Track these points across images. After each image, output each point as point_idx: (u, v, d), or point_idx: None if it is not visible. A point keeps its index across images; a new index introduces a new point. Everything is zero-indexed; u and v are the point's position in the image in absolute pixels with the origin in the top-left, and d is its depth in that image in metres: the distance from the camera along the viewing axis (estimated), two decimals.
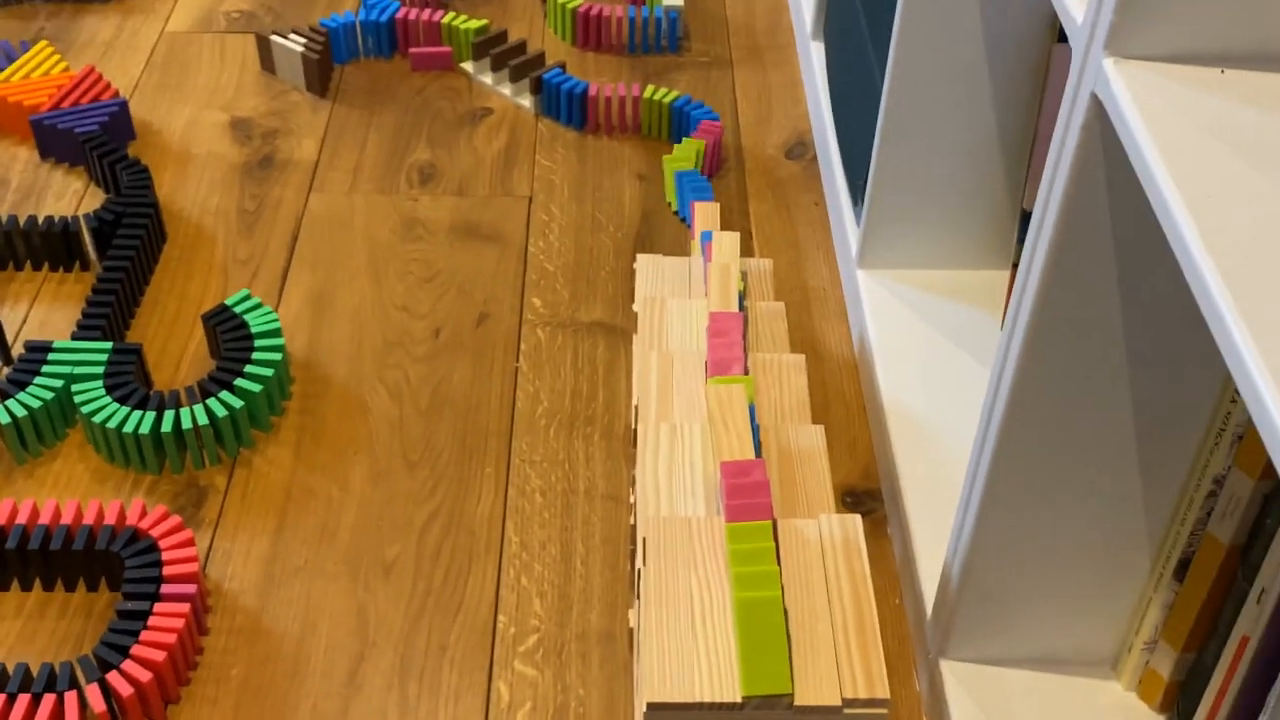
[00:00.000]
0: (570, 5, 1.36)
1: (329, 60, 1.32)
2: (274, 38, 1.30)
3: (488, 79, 1.32)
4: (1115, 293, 0.62)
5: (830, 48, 1.27)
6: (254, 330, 0.99)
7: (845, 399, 1.02)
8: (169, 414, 0.92)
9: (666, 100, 1.24)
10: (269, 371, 0.96)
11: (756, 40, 1.40)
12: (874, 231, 1.04)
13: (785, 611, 0.66)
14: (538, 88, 1.28)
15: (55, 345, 0.97)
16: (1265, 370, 0.41)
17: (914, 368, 0.98)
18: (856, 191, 1.10)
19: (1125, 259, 0.61)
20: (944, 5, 0.91)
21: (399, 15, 1.34)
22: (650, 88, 1.26)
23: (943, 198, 1.02)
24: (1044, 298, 0.62)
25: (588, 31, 1.37)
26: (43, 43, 1.29)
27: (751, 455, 0.73)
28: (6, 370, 1.00)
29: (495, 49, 1.31)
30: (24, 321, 1.06)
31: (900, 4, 0.92)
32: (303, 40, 1.30)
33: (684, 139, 1.22)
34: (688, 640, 0.66)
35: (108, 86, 1.24)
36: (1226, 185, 0.48)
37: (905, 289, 1.05)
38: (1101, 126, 0.56)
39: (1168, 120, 0.51)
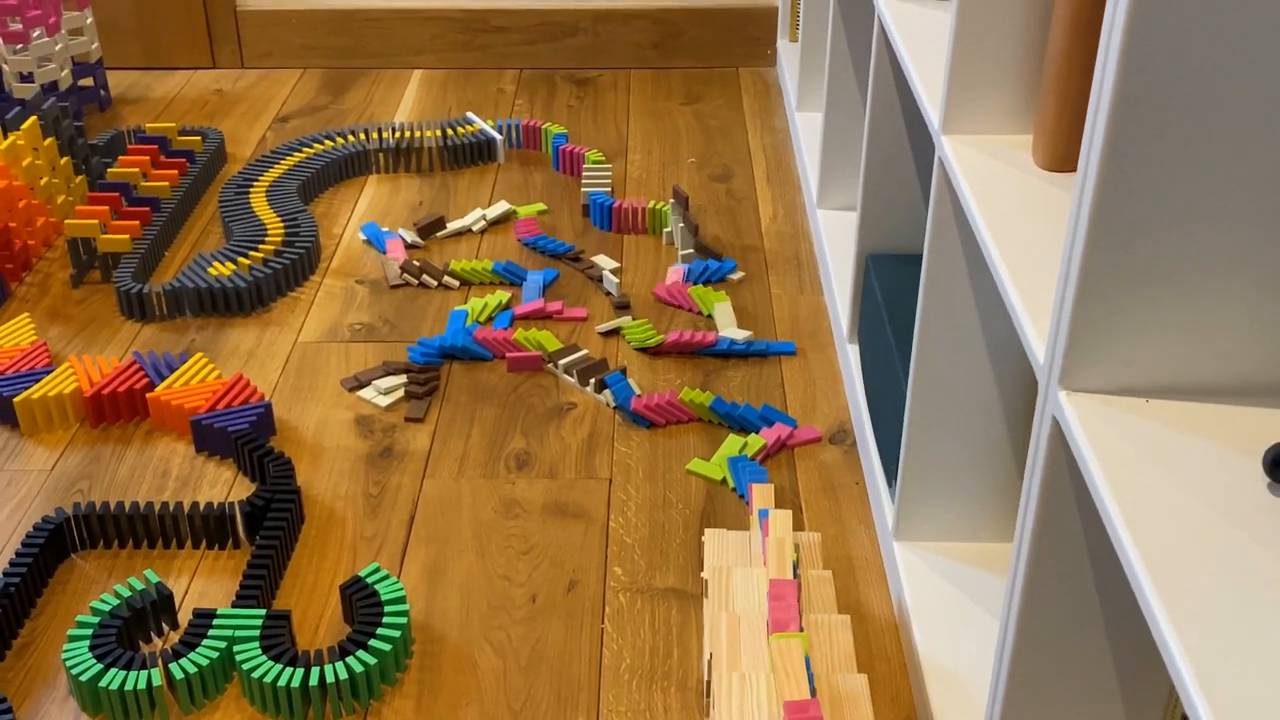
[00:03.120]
0: (651, 341, 1.59)
1: (434, 388, 1.53)
2: (375, 382, 1.52)
3: (572, 379, 1.54)
4: (1090, 575, 0.79)
5: (863, 349, 1.49)
6: (384, 598, 1.17)
7: (887, 655, 1.17)
8: (314, 670, 1.09)
9: (701, 400, 1.46)
10: (396, 634, 1.13)
11: (802, 342, 1.62)
12: (906, 508, 1.22)
13: None
14: (601, 388, 1.50)
15: (219, 612, 1.15)
16: (1192, 672, 0.56)
17: (946, 629, 1.14)
18: (891, 474, 1.28)
19: (1095, 549, 0.78)
20: (954, 325, 1.12)
21: (478, 334, 1.58)
22: (686, 390, 1.48)
23: (963, 480, 1.20)
24: (1030, 576, 0.79)
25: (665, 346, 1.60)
26: (199, 354, 1.53)
27: (809, 697, 0.89)
28: (175, 636, 1.18)
29: (565, 358, 1.54)
30: (186, 593, 1.24)
31: (918, 325, 1.13)
32: (402, 379, 1.52)
33: (750, 435, 1.42)
34: None
35: (255, 391, 1.47)
36: (1153, 490, 0.66)
37: (937, 558, 1.21)
38: (1062, 441, 0.74)
39: (1107, 439, 0.69)
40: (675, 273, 1.74)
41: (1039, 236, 0.88)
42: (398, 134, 2.05)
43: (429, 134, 2.06)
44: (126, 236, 1.72)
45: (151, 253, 1.76)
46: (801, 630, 0.97)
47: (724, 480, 1.38)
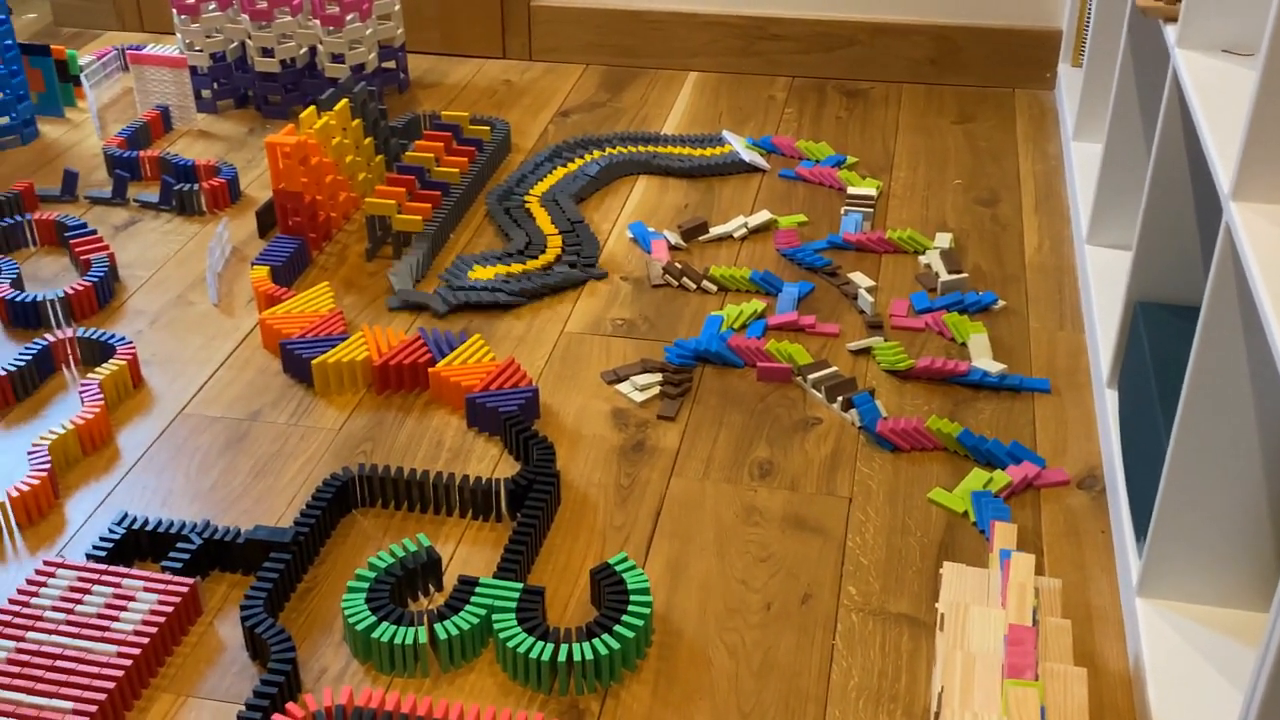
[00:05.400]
0: (901, 365, 1.61)
1: (687, 389, 1.60)
2: (634, 379, 1.60)
3: (819, 394, 1.58)
4: None
5: (1123, 396, 1.47)
6: (630, 587, 1.24)
7: (1119, 711, 1.17)
8: (563, 647, 1.17)
9: (949, 430, 1.47)
10: (640, 622, 1.20)
11: (1058, 380, 1.61)
12: (1155, 566, 1.21)
13: None
14: (848, 406, 1.53)
15: (481, 581, 1.25)
16: None
17: (1184, 692, 1.12)
18: (1140, 527, 1.27)
19: None
20: (1225, 389, 1.10)
21: (731, 341, 1.64)
22: (934, 418, 1.49)
23: (1217, 543, 1.18)
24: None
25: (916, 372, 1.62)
26: (476, 335, 1.65)
27: None
28: (440, 598, 1.29)
29: (814, 373, 1.57)
30: (451, 558, 1.35)
31: (1187, 383, 1.12)
32: (658, 378, 1.59)
33: (996, 471, 1.43)
34: None
35: (524, 375, 1.57)
36: None
37: (1181, 619, 1.20)
38: None
39: None
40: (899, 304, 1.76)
41: None
42: (661, 148, 2.14)
43: (684, 150, 2.14)
44: (419, 218, 1.86)
45: (439, 235, 1.89)
46: (1037, 679, 0.99)
47: (965, 513, 1.40)
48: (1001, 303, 1.76)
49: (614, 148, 2.18)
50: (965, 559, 1.34)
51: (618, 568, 1.27)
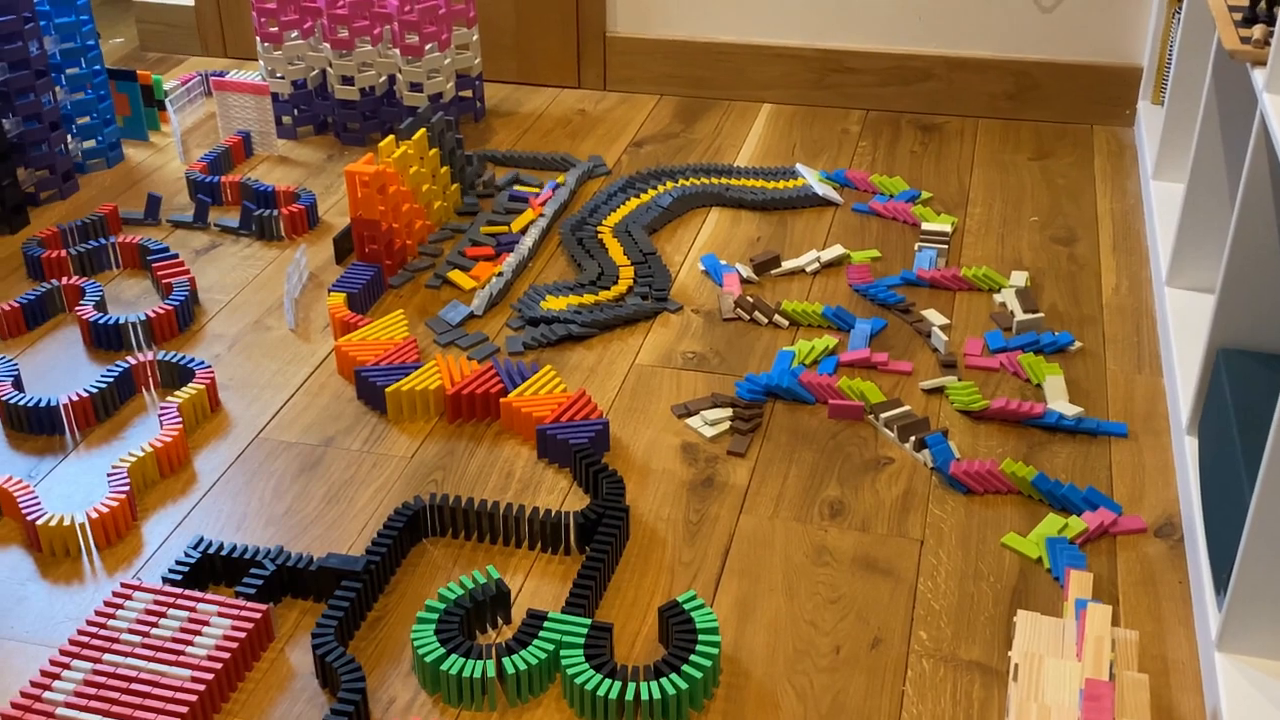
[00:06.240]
0: (975, 405, 1.59)
1: (757, 425, 1.60)
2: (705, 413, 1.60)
3: (892, 434, 1.57)
4: None
5: (1203, 443, 1.44)
6: (698, 626, 1.24)
7: None
8: (631, 685, 1.17)
9: (1023, 473, 1.45)
10: (708, 662, 1.20)
11: (1135, 425, 1.58)
12: (1236, 620, 1.18)
13: None
14: (921, 446, 1.52)
15: (550, 615, 1.25)
16: None
17: None
18: (1220, 579, 1.25)
19: None
20: None
21: (804, 378, 1.63)
22: (1008, 461, 1.47)
23: None
24: None
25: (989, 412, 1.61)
26: (548, 366, 1.66)
27: None
28: (508, 631, 1.29)
29: (886, 411, 1.56)
30: (520, 590, 1.36)
31: (1273, 433, 1.09)
32: (729, 413, 1.59)
33: (1071, 517, 1.41)
34: None
35: (595, 407, 1.58)
36: None
37: (1262, 676, 1.17)
38: None
39: None
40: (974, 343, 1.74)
41: None
42: (734, 180, 2.15)
43: (757, 183, 2.14)
44: (490, 249, 1.87)
45: (516, 271, 1.90)
46: None
47: (1039, 559, 1.38)
48: (1078, 344, 1.74)
49: (687, 179, 2.18)
50: (1039, 606, 1.32)
51: (686, 605, 1.26)
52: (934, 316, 1.80)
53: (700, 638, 1.23)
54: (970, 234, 2.03)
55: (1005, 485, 1.47)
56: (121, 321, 1.75)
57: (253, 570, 1.32)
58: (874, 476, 1.51)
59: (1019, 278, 1.88)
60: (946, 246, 1.95)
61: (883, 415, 1.58)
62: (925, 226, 1.99)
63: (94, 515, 1.40)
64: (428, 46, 2.29)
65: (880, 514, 1.45)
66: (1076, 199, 2.13)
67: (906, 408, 1.59)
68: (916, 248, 1.96)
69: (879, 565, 1.38)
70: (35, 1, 2.12)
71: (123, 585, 1.30)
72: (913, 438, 1.54)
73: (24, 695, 1.18)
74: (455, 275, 1.90)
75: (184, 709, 1.16)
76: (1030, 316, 1.77)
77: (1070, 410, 1.58)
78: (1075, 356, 1.72)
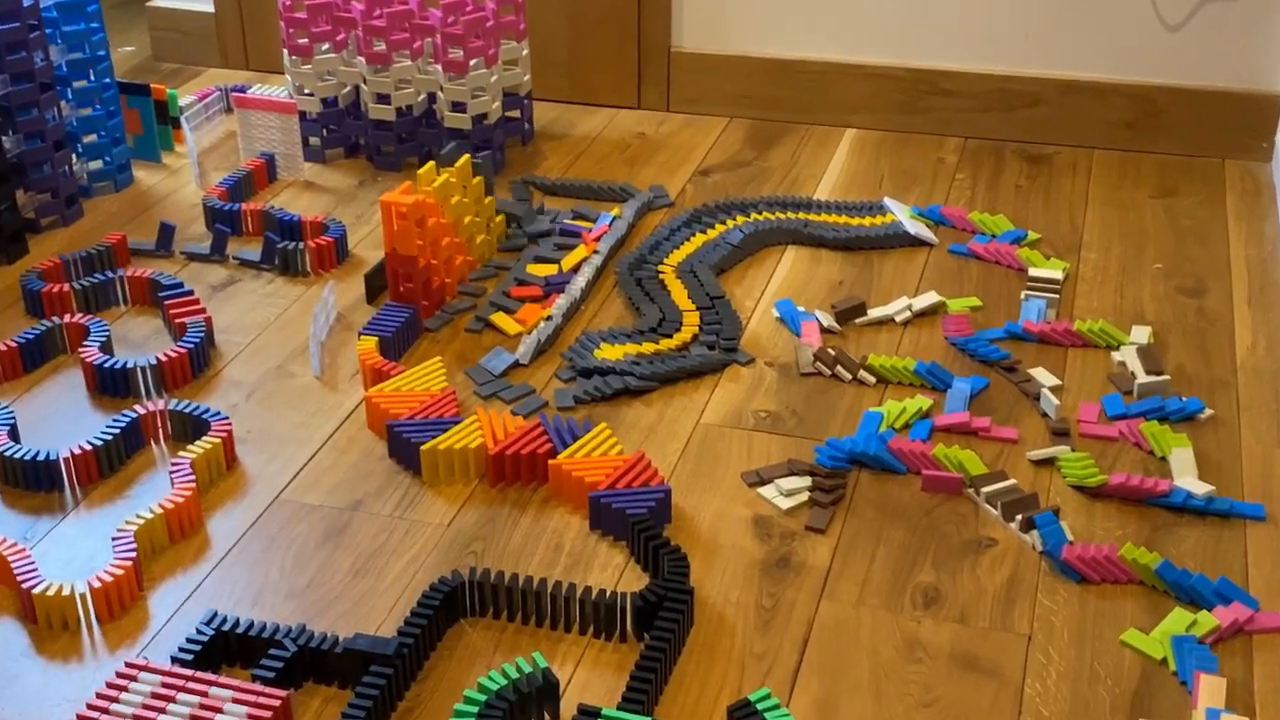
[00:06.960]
0: (1091, 481, 1.58)
1: (840, 497, 1.60)
2: (781, 480, 1.60)
3: (995, 511, 1.56)
4: None
5: None
6: None
7: None
8: None
9: (1146, 561, 1.43)
10: None
11: (1274, 506, 1.57)
12: None
13: None
14: (1029, 527, 1.51)
15: (604, 713, 1.25)
16: None
17: None
18: None
19: None
20: None
21: (893, 444, 1.63)
22: (1129, 546, 1.46)
23: None
24: None
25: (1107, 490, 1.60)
26: (602, 424, 1.67)
27: None
28: None
29: (989, 485, 1.56)
30: (569, 681, 1.36)
31: None
32: (807, 482, 1.59)
33: (1201, 612, 1.39)
34: None
35: (655, 472, 1.59)
36: None
37: None
38: None
39: None
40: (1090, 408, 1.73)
41: None
42: (813, 215, 2.15)
43: (839, 218, 2.15)
44: (538, 289, 1.89)
45: (567, 314, 1.92)
46: None
47: (1164, 660, 1.36)
48: (1209, 411, 1.72)
49: (760, 213, 2.20)
50: (1163, 715, 1.30)
51: (759, 705, 1.26)
52: (1043, 376, 1.79)
53: None
54: (1084, 281, 2.02)
55: (1125, 574, 1.46)
56: (129, 365, 1.78)
57: (271, 651, 1.33)
58: (974, 560, 1.50)
59: (1141, 333, 1.87)
60: (1057, 296, 1.95)
61: (984, 490, 1.57)
62: (1033, 272, 1.99)
63: (96, 584, 1.42)
64: (472, 62, 2.33)
65: (981, 604, 1.44)
66: (1206, 243, 2.12)
67: (1012, 481, 1.58)
68: (1023, 297, 1.96)
69: (980, 664, 1.37)
70: (42, 8, 2.18)
71: (127, 664, 1.31)
72: (1019, 516, 1.53)
73: None
74: (499, 318, 1.92)
75: None
76: (1154, 379, 1.76)
77: (1200, 489, 1.57)
78: (1205, 426, 1.70)
